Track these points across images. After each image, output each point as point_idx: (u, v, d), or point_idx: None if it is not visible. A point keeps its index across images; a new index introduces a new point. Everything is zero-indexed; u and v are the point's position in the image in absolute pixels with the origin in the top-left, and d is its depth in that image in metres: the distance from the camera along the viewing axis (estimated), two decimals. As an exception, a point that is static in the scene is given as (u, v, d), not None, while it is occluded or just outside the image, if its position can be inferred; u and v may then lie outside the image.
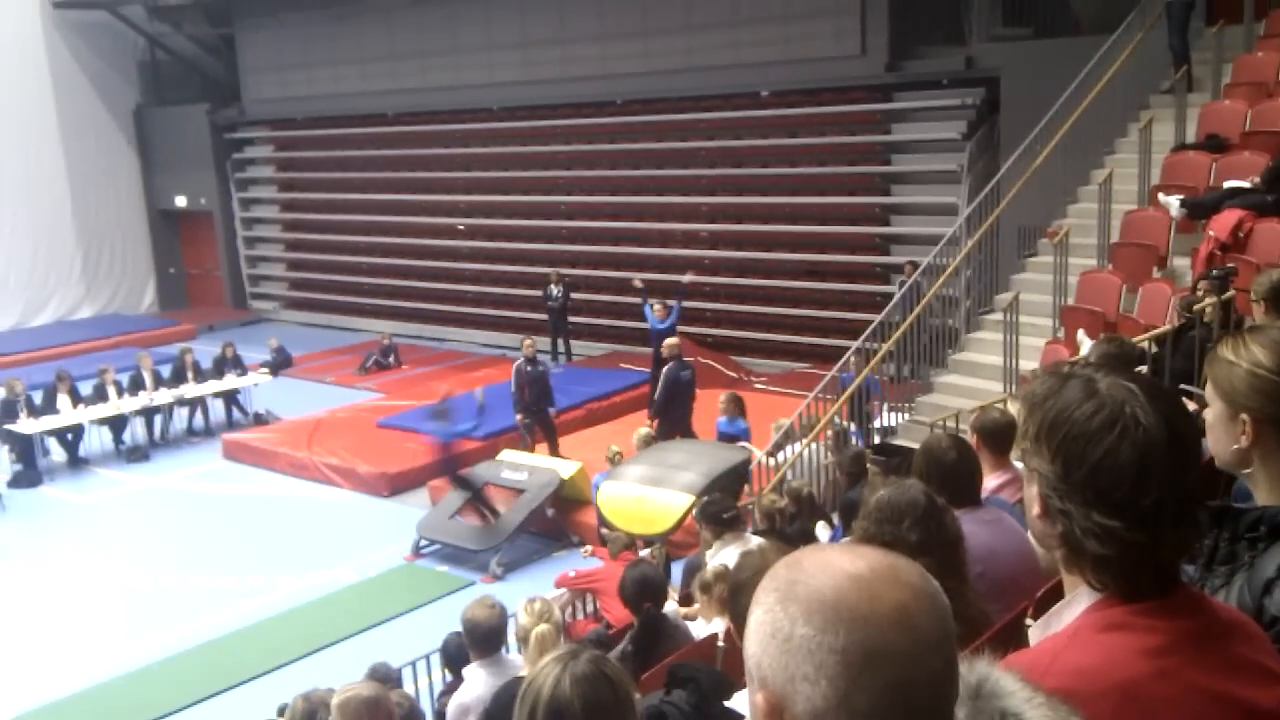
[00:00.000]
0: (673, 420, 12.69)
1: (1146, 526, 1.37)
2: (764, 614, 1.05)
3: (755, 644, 1.05)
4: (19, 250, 24.18)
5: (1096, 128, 11.16)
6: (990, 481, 4.45)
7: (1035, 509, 1.47)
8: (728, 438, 11.79)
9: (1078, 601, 1.44)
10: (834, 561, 1.05)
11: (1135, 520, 1.37)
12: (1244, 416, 1.79)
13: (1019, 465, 3.76)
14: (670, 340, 13.30)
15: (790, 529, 7.42)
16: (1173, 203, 9.23)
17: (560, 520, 11.88)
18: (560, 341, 18.82)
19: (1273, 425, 1.78)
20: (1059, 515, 1.42)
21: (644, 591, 5.66)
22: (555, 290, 18.54)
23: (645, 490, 10.88)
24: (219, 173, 25.31)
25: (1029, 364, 9.78)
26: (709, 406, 12.88)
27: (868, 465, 6.71)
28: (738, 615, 2.74)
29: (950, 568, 3.03)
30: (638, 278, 16.50)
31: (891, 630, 0.99)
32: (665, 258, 19.11)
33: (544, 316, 19.17)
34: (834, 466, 9.69)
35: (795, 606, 1.02)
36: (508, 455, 12.60)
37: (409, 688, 7.32)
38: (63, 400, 15.53)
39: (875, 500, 3.02)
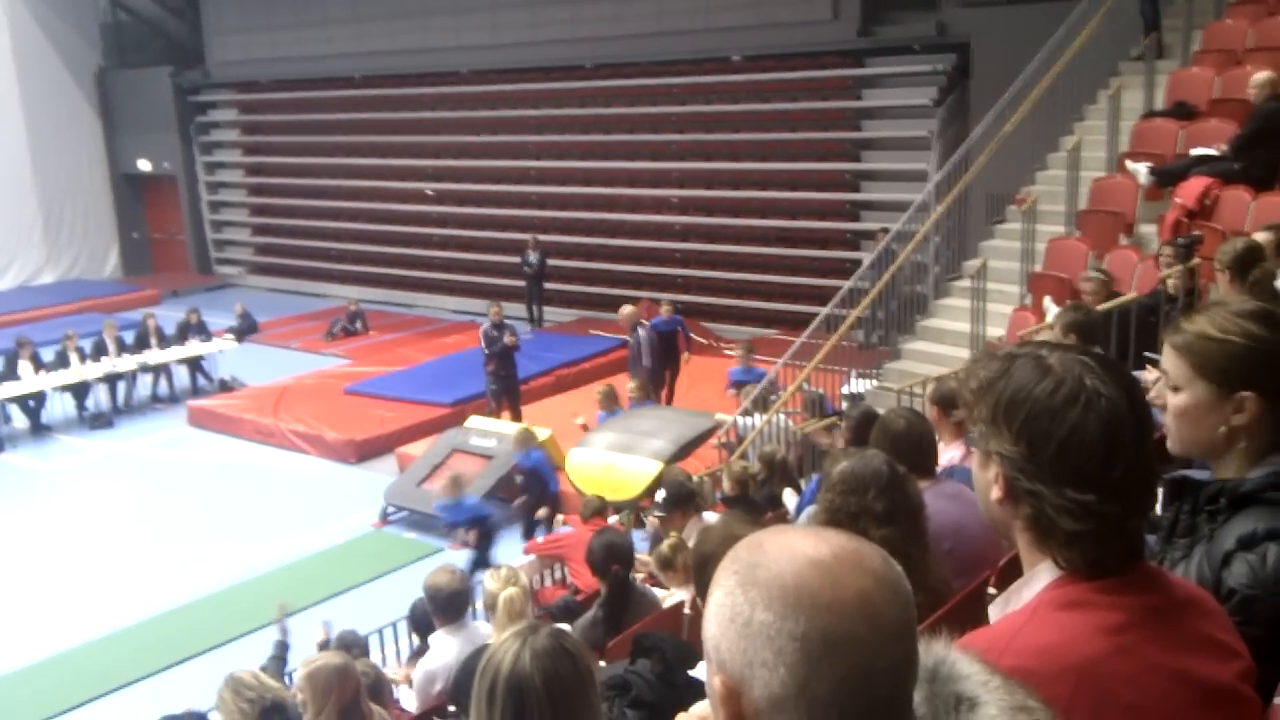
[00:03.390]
0: (650, 375, 12.99)
1: (1119, 498, 1.36)
2: (724, 596, 1.03)
3: (715, 627, 1.03)
4: (-22, 215, 23.79)
5: (1066, 95, 11.16)
6: (952, 452, 4.45)
7: (995, 493, 1.44)
8: (741, 384, 11.71)
9: (1037, 579, 1.42)
10: (796, 545, 1.02)
11: (1108, 493, 1.36)
12: (1246, 394, 1.72)
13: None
14: (626, 308, 13.55)
15: (759, 496, 7.42)
16: (1140, 170, 9.25)
17: (529, 487, 11.85)
18: (535, 308, 18.73)
19: (1273, 399, 1.72)
20: (1026, 496, 1.40)
21: (611, 557, 5.66)
22: (532, 256, 18.44)
23: (614, 457, 10.89)
24: (183, 136, 24.94)
25: (996, 331, 9.82)
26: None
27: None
28: (704, 587, 2.71)
29: (914, 536, 3.03)
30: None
31: (852, 618, 0.97)
32: (635, 224, 19.05)
33: (513, 282, 19.06)
34: (804, 432, 9.72)
35: (755, 591, 1.00)
36: (475, 422, 12.56)
37: (376, 655, 7.31)
38: (24, 366, 15.32)
39: (839, 472, 3.01)
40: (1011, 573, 1.56)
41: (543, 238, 19.26)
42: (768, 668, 0.97)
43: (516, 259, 18.89)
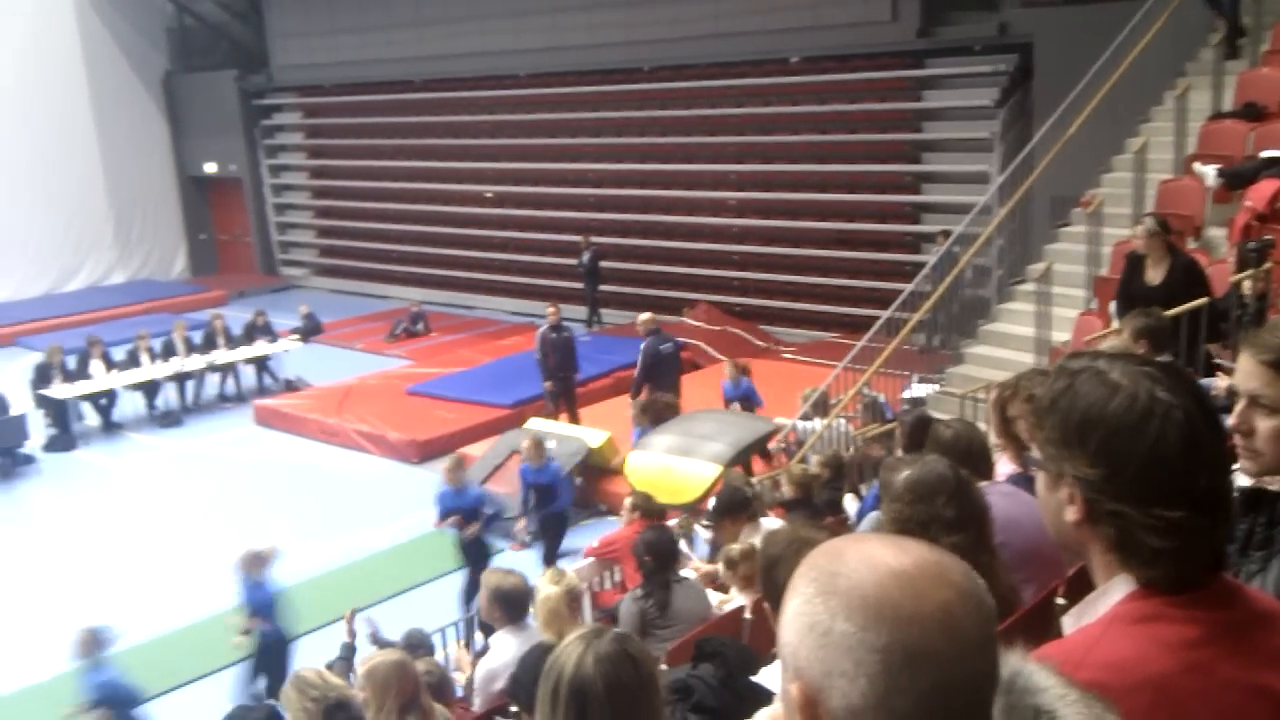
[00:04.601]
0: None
1: (1207, 511, 1.35)
2: (803, 605, 1.03)
3: (792, 634, 1.03)
4: (52, 217, 24.36)
5: (1131, 95, 10.99)
6: (1011, 466, 4.41)
7: (1072, 515, 1.42)
8: (734, 400, 11.58)
9: (1112, 592, 1.42)
10: (877, 555, 1.02)
11: (1195, 506, 1.34)
12: None
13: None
14: (644, 315, 13.04)
15: (819, 500, 7.41)
16: (1209, 172, 9.09)
17: (588, 489, 11.93)
18: (590, 307, 18.84)
19: None
20: (1108, 517, 1.38)
21: (650, 549, 5.82)
22: (585, 255, 18.60)
23: (673, 460, 10.91)
24: (248, 139, 25.39)
25: (1062, 336, 9.71)
26: (716, 383, 12.82)
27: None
28: (773, 591, 2.73)
29: (982, 542, 3.02)
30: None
31: (935, 631, 0.97)
32: (692, 226, 19.06)
33: (571, 284, 19.21)
34: (864, 436, 9.68)
35: (836, 600, 1.00)
36: (536, 424, 12.64)
37: (438, 653, 7.40)
38: (96, 365, 15.69)
39: (905, 480, 3.01)
40: (1081, 583, 1.55)
41: (600, 240, 19.36)
42: (847, 678, 0.98)
43: (574, 261, 19.05)
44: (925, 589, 0.99)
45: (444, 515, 9.63)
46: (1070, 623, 1.48)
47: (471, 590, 9.07)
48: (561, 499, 10.48)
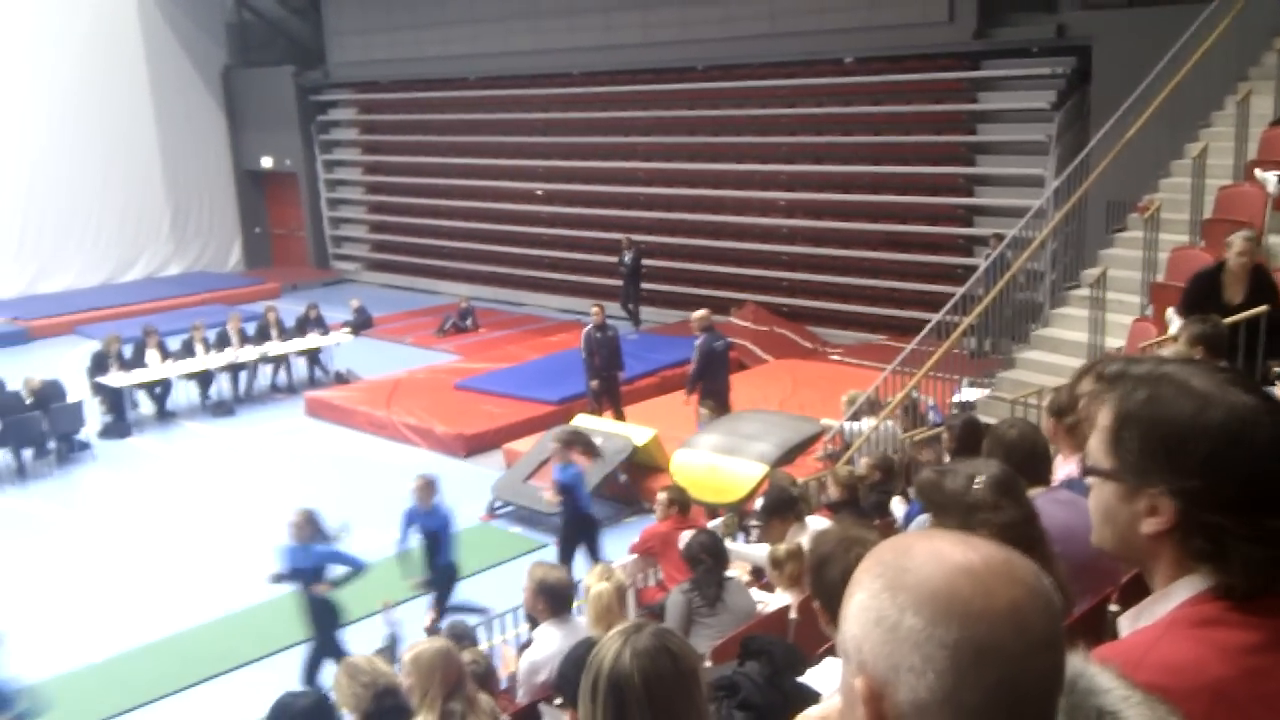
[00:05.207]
0: (710, 393, 12.36)
1: None
2: (869, 599, 1.03)
3: (858, 628, 1.03)
4: (111, 209, 24.81)
5: (1191, 100, 10.82)
6: (1070, 466, 4.37)
7: (1155, 526, 1.38)
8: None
9: (1174, 595, 1.40)
10: (945, 551, 1.02)
11: None
12: None
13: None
14: (700, 311, 12.91)
15: (866, 502, 7.38)
16: (1270, 179, 8.94)
17: (633, 486, 11.95)
18: (632, 307, 18.84)
19: None
20: (1202, 528, 1.35)
21: (706, 550, 5.84)
22: (626, 255, 18.60)
23: (718, 459, 10.91)
24: (304, 134, 25.68)
25: (1116, 342, 9.58)
26: (762, 383, 12.63)
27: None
28: (823, 589, 2.72)
29: (1033, 543, 2.99)
30: None
31: (1004, 628, 0.97)
32: (741, 225, 19.03)
33: (619, 283, 19.22)
34: (912, 439, 9.61)
35: (904, 595, 1.00)
36: (582, 420, 12.69)
37: (482, 646, 7.45)
38: (151, 355, 15.95)
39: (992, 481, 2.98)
40: (1134, 590, 1.54)
41: (649, 239, 19.37)
42: (915, 673, 0.98)
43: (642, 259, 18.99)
44: (995, 586, 0.99)
45: (407, 534, 9.16)
46: (1127, 625, 1.47)
47: (441, 597, 8.89)
48: (582, 503, 9.85)
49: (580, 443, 9.91)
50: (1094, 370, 3.80)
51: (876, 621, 1.01)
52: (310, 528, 8.05)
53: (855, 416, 10.58)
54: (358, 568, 8.13)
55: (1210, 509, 1.34)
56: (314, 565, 8.07)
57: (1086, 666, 1.05)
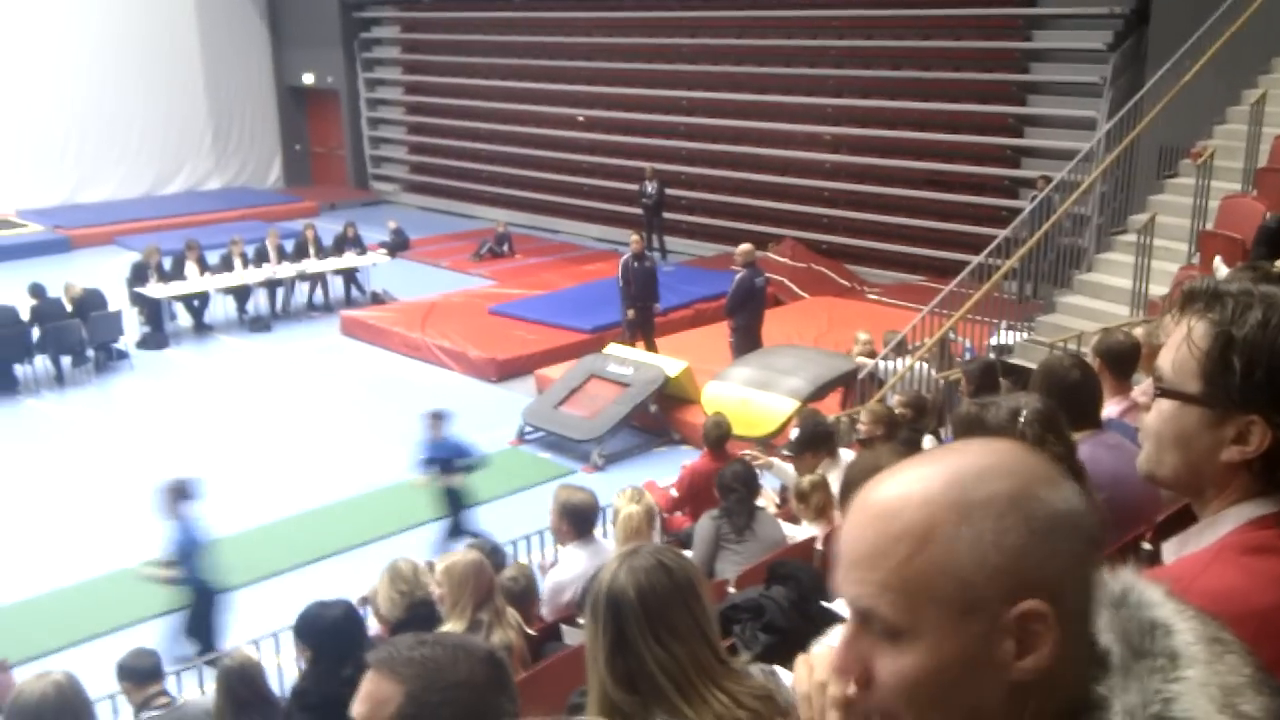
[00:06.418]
0: (744, 327, 12.38)
1: None
2: (980, 531, 0.92)
3: (998, 556, 0.92)
4: (153, 121, 24.82)
5: (1252, 45, 10.52)
6: (1112, 407, 4.31)
7: (1241, 453, 1.33)
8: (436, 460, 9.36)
9: (1222, 523, 1.37)
10: (985, 464, 0.96)
11: None
12: None
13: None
14: (745, 245, 12.81)
15: (899, 439, 7.33)
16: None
17: (663, 417, 11.97)
18: (655, 238, 18.64)
19: None
20: None
21: (739, 480, 5.84)
22: (649, 186, 18.37)
23: (750, 393, 10.89)
24: (346, 52, 25.52)
25: (1160, 289, 9.44)
26: (798, 319, 12.46)
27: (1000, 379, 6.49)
28: None
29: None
30: None
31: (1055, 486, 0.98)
32: (784, 160, 18.80)
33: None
34: (947, 379, 9.54)
35: (1008, 514, 0.93)
36: (614, 349, 12.69)
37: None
38: (190, 268, 16.06)
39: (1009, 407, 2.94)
40: (1168, 528, 1.49)
41: (689, 170, 19.17)
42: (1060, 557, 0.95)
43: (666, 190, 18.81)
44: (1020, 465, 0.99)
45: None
46: (1171, 552, 1.44)
47: (450, 535, 9.15)
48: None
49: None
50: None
51: (995, 545, 0.92)
52: (441, 425, 9.22)
53: (889, 356, 10.49)
54: (479, 460, 9.33)
55: None
56: (446, 456, 9.18)
57: (1137, 581, 1.02)
